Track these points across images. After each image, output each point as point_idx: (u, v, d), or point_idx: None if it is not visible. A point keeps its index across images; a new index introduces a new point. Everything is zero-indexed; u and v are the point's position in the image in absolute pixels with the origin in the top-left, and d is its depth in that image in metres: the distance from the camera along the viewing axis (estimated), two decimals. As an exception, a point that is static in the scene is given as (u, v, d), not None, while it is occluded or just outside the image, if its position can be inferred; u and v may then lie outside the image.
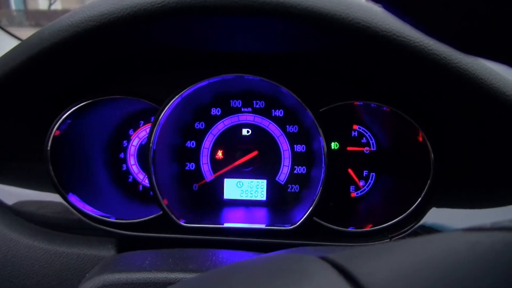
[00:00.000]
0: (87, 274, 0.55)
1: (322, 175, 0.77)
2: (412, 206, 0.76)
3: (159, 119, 0.78)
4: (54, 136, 0.76)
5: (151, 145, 0.78)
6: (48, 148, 0.76)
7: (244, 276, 0.32)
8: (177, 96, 0.77)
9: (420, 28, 0.27)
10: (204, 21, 0.63)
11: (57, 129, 0.77)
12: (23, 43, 0.64)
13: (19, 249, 0.76)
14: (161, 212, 0.78)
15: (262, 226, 0.78)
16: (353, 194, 0.97)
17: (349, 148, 0.96)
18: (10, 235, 0.77)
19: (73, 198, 0.80)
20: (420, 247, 0.26)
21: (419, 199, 0.76)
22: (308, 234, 0.79)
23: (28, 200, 0.82)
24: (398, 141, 0.91)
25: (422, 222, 0.74)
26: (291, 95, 0.79)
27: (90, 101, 0.77)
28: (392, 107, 0.78)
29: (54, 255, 0.75)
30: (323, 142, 0.77)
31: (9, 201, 0.82)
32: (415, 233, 0.74)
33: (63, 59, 0.65)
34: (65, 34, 0.59)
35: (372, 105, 0.81)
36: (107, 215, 0.81)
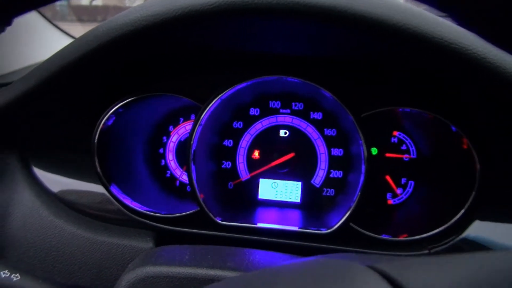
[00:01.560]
0: (129, 265, 0.57)
1: (361, 181, 0.76)
2: (454, 218, 0.74)
3: (201, 118, 0.79)
4: (101, 130, 0.79)
5: (192, 142, 0.79)
6: (95, 140, 0.80)
7: (291, 280, 0.32)
8: (219, 96, 0.78)
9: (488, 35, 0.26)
10: (251, 23, 0.64)
11: (104, 123, 0.80)
12: (79, 40, 0.67)
13: (63, 235, 0.80)
14: (198, 208, 0.80)
15: (296, 228, 0.78)
16: (390, 202, 0.95)
17: (387, 155, 0.94)
18: (55, 221, 0.81)
19: (115, 190, 0.83)
20: (477, 264, 0.26)
21: (462, 211, 0.73)
22: (342, 239, 0.78)
23: (72, 189, 0.86)
24: (440, 148, 0.89)
25: (464, 235, 0.71)
26: (332, 98, 0.78)
27: (136, 97, 0.79)
28: (435, 114, 0.76)
29: (95, 243, 0.78)
30: (363, 147, 0.76)
31: (55, 188, 0.86)
32: (456, 246, 0.71)
33: (115, 56, 0.67)
34: (118, 32, 0.61)
35: (414, 111, 0.79)
36: (146, 208, 0.83)
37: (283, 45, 0.78)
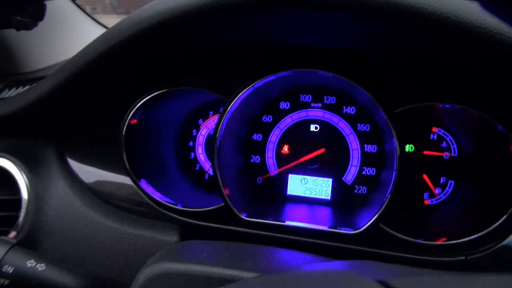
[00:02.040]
0: (148, 260, 0.57)
1: (393, 179, 0.72)
2: (496, 223, 0.68)
3: (227, 111, 0.78)
4: (129, 123, 0.81)
5: (217, 135, 0.79)
6: (123, 134, 0.81)
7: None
8: (245, 89, 0.76)
9: None
10: (280, 16, 0.61)
11: (132, 116, 0.81)
12: (105, 34, 0.68)
13: (94, 226, 0.82)
14: (223, 203, 0.79)
15: (325, 227, 0.75)
16: (427, 202, 0.90)
17: (425, 152, 0.88)
18: (87, 212, 0.84)
19: (143, 183, 0.85)
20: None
21: (506, 216, 0.67)
22: (372, 241, 0.74)
23: (103, 180, 0.88)
24: (485, 148, 0.82)
25: (505, 242, 0.65)
26: (365, 93, 0.74)
27: (164, 91, 0.79)
28: (481, 112, 0.70)
29: (124, 234, 0.80)
30: (395, 144, 0.71)
31: (87, 179, 0.89)
32: (496, 254, 0.66)
33: (140, 50, 0.67)
34: (140, 26, 0.61)
35: (457, 108, 0.73)
36: (174, 201, 0.83)
37: (314, 38, 0.74)
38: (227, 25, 0.64)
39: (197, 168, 1.02)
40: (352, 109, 0.93)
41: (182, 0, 0.57)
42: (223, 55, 0.81)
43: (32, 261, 0.54)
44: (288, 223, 0.79)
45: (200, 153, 1.02)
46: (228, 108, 0.78)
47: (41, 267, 0.54)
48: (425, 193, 0.90)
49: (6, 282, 0.52)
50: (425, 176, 0.89)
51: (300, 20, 0.64)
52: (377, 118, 0.87)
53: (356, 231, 0.72)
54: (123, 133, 0.81)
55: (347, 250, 0.75)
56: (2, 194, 0.87)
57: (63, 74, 0.76)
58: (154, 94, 0.79)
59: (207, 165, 1.02)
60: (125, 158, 0.82)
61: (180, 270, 0.50)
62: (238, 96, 0.77)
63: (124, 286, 0.70)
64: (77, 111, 0.85)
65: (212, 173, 1.01)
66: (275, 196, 0.97)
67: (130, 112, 0.80)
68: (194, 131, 1.02)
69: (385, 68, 0.76)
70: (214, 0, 0.57)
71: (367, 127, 0.92)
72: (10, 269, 0.52)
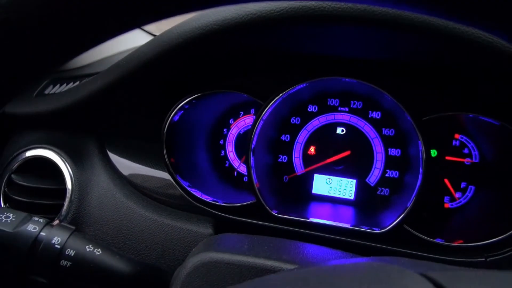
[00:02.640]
0: (193, 249, 0.63)
1: (419, 182, 0.76)
2: (515, 228, 0.72)
3: (263, 114, 0.83)
4: (170, 122, 0.86)
5: (253, 136, 0.84)
6: (165, 131, 0.87)
7: (346, 280, 0.35)
8: (281, 94, 0.81)
9: None
10: (316, 28, 0.66)
11: (174, 115, 0.87)
12: (156, 40, 0.74)
13: (133, 216, 0.88)
14: (255, 200, 0.84)
15: (349, 225, 0.80)
16: (447, 205, 0.94)
17: (448, 158, 0.92)
18: (127, 203, 0.90)
19: (179, 177, 0.90)
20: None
21: (524, 222, 0.71)
22: (395, 240, 0.79)
23: (141, 174, 0.94)
24: (505, 155, 0.85)
25: (525, 245, 0.69)
26: (392, 100, 0.78)
27: (204, 93, 0.85)
28: (503, 122, 0.74)
29: (161, 225, 0.86)
30: (422, 149, 0.76)
31: (126, 172, 0.95)
32: (515, 256, 0.70)
33: (187, 56, 0.73)
34: (191, 34, 0.66)
35: (480, 117, 0.77)
36: (206, 196, 0.89)
37: (344, 48, 0.79)
38: (269, 35, 0.69)
39: (227, 165, 1.08)
40: (378, 114, 0.97)
41: (231, 13, 0.62)
42: (261, 61, 0.86)
43: (90, 246, 0.60)
44: (315, 220, 0.84)
45: (230, 151, 1.07)
46: (264, 112, 0.83)
47: (98, 252, 0.59)
48: (445, 197, 0.93)
49: (69, 264, 0.57)
50: (446, 181, 0.93)
51: (330, 32, 0.69)
52: (402, 124, 0.91)
53: (382, 230, 0.77)
54: (165, 130, 0.87)
55: (370, 248, 0.80)
56: (48, 184, 0.93)
57: (113, 74, 0.82)
58: (195, 95, 0.85)
59: (236, 163, 1.07)
60: (165, 154, 0.87)
61: (225, 259, 0.56)
62: (274, 100, 0.82)
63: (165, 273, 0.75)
64: (121, 109, 0.91)
65: (241, 171, 1.07)
66: (301, 195, 1.02)
67: (173, 111, 0.86)
68: (225, 130, 1.08)
69: (412, 76, 0.80)
70: (263, 14, 0.62)
71: (391, 132, 0.96)
72: (72, 252, 0.58)
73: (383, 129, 0.96)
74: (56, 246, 0.57)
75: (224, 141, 1.08)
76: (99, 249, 0.60)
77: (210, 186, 0.99)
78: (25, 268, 0.62)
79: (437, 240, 0.78)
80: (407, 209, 0.76)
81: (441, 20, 0.56)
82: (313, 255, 0.60)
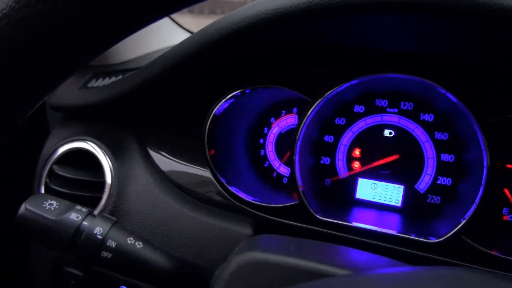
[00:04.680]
0: (236, 248, 0.60)
1: (481, 192, 0.70)
2: None
3: (310, 112, 0.79)
4: (212, 118, 0.84)
5: (298, 136, 0.80)
6: (207, 127, 0.84)
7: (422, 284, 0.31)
8: (331, 91, 0.77)
9: None
10: (372, 19, 0.62)
11: (216, 111, 0.84)
12: (202, 32, 0.72)
13: (171, 212, 0.86)
14: (298, 202, 0.80)
15: (400, 233, 0.75)
16: (506, 218, 0.86)
17: (508, 166, 0.85)
18: (165, 198, 0.88)
19: (219, 174, 0.88)
20: None
21: None
22: (449, 251, 0.73)
23: (180, 170, 0.92)
24: None
25: None
26: (454, 101, 0.73)
27: (250, 88, 0.82)
28: None
29: (199, 223, 0.84)
30: (486, 155, 0.69)
31: (164, 168, 0.93)
32: None
33: (235, 48, 0.70)
34: (241, 24, 0.64)
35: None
36: (246, 195, 0.86)
37: (407, 42, 0.74)
38: (322, 25, 0.65)
39: (266, 165, 1.04)
40: (430, 116, 0.91)
41: (285, 1, 0.59)
42: (308, 55, 0.82)
43: (131, 238, 0.58)
44: (360, 225, 0.79)
45: (270, 151, 1.04)
46: (311, 110, 0.79)
47: (139, 245, 0.57)
48: (504, 208, 0.86)
49: (110, 255, 0.56)
50: (506, 191, 0.85)
51: (380, 24, 0.64)
52: (459, 127, 0.85)
53: (438, 240, 0.71)
54: (207, 127, 0.84)
55: (420, 257, 0.74)
56: (87, 176, 0.94)
57: (155, 68, 0.81)
58: (239, 91, 0.82)
59: (276, 163, 1.03)
60: (207, 150, 0.85)
61: (272, 260, 0.52)
62: (323, 97, 0.78)
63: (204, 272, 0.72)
64: (162, 104, 0.90)
65: (280, 171, 1.03)
66: (343, 199, 0.97)
67: (215, 107, 0.83)
68: (265, 129, 1.04)
69: (477, 75, 0.74)
70: (313, 3, 0.58)
71: (445, 136, 0.89)
72: (113, 244, 0.56)
73: (436, 132, 0.90)
74: (98, 236, 0.56)
75: (264, 140, 1.04)
76: (140, 242, 0.58)
77: (248, 185, 0.96)
78: (65, 256, 0.61)
79: (495, 253, 0.72)
80: (466, 219, 0.70)
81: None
82: (367, 262, 0.56)
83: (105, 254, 0.56)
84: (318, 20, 0.59)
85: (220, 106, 0.85)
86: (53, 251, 0.56)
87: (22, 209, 0.55)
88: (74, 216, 0.56)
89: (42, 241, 0.55)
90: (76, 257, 0.56)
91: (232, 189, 0.86)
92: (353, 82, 0.78)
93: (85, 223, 0.56)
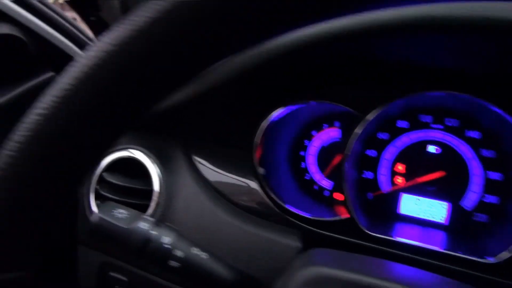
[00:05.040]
0: (295, 262, 0.61)
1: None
2: None
3: (362, 129, 0.80)
4: (265, 130, 0.86)
5: (349, 152, 0.81)
6: (258, 141, 0.86)
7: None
8: (383, 107, 0.78)
9: None
10: (431, 37, 0.63)
11: (266, 123, 0.86)
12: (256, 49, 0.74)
13: (218, 222, 0.88)
14: (350, 216, 0.81)
15: (453, 252, 0.75)
16: (555, 238, 0.85)
17: (559, 186, 0.84)
18: (211, 207, 0.90)
19: (266, 186, 0.89)
20: None
21: None
22: (504, 271, 0.72)
23: (226, 180, 0.94)
24: None
25: None
26: (497, 118, 0.73)
27: (301, 103, 0.84)
28: None
29: (246, 233, 0.85)
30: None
31: (210, 177, 0.95)
32: None
33: (288, 66, 0.72)
34: (296, 44, 0.66)
35: None
36: (294, 208, 0.87)
37: (454, 60, 0.75)
38: (379, 44, 0.67)
39: (307, 177, 1.05)
40: (476, 133, 0.90)
41: (349, 22, 0.61)
42: (360, 71, 0.83)
43: (195, 249, 0.59)
44: (407, 241, 0.79)
45: (311, 163, 1.05)
46: (364, 126, 0.80)
47: (205, 256, 0.59)
48: (553, 229, 0.85)
49: (177, 265, 0.57)
50: (555, 210, 0.84)
51: (435, 42, 0.65)
52: (508, 144, 0.85)
53: (496, 261, 0.70)
54: (259, 140, 0.86)
55: (469, 275, 0.74)
56: (135, 184, 0.96)
57: (206, 83, 0.83)
58: (290, 105, 0.84)
59: (317, 176, 1.04)
60: (256, 162, 0.87)
61: (338, 276, 0.53)
62: (375, 113, 0.79)
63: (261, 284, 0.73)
64: (211, 115, 0.92)
65: (322, 184, 1.04)
66: (386, 214, 0.97)
67: (265, 119, 0.85)
68: (305, 141, 1.06)
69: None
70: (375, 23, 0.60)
71: (492, 153, 0.89)
72: (180, 254, 0.58)
73: (482, 150, 0.90)
74: (166, 246, 0.57)
75: (305, 153, 1.06)
76: (205, 253, 0.60)
77: (290, 197, 0.97)
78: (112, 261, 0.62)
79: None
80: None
81: None
82: (430, 282, 0.56)
83: (173, 263, 0.57)
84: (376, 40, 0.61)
85: (270, 119, 0.86)
86: (122, 257, 0.58)
87: (95, 217, 0.57)
88: (142, 225, 0.58)
89: (113, 247, 0.57)
90: (144, 264, 0.58)
91: (280, 201, 0.87)
92: (404, 97, 0.78)
93: (153, 232, 0.58)
